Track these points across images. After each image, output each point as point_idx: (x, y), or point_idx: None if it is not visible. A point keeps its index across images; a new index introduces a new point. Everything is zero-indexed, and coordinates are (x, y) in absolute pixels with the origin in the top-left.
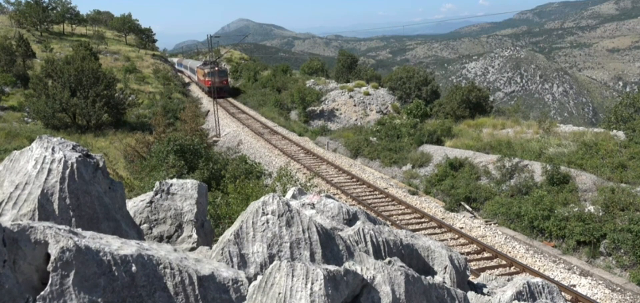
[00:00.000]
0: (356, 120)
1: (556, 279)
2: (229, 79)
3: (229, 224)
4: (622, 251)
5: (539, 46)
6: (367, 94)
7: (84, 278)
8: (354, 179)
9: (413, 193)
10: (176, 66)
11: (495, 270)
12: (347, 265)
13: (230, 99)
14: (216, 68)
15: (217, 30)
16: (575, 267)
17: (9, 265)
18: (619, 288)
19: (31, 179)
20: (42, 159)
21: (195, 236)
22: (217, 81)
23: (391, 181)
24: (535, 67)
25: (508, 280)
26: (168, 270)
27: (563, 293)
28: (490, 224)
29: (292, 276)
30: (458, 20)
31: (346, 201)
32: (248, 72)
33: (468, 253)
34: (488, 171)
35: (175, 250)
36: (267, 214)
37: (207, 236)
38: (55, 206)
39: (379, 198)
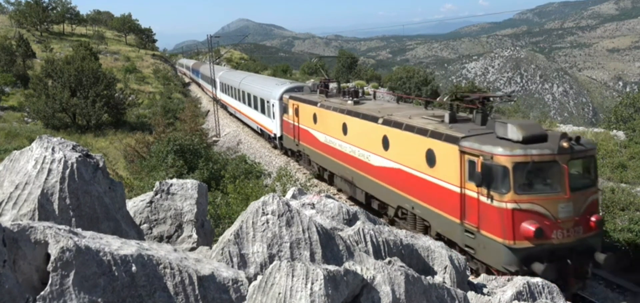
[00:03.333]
0: None
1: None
2: None
3: (229, 224)
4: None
5: (539, 46)
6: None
7: (84, 278)
8: None
9: None
10: (188, 72)
11: None
12: (347, 265)
13: None
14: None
15: (217, 30)
16: None
17: (9, 265)
18: (619, 288)
19: (31, 179)
20: (42, 159)
21: (195, 236)
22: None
23: None
24: (535, 67)
25: (508, 280)
26: (168, 270)
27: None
28: None
29: (292, 276)
30: (458, 20)
31: (346, 202)
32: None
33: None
34: None
35: (175, 250)
36: (267, 214)
37: (207, 236)
38: (55, 206)
39: None
